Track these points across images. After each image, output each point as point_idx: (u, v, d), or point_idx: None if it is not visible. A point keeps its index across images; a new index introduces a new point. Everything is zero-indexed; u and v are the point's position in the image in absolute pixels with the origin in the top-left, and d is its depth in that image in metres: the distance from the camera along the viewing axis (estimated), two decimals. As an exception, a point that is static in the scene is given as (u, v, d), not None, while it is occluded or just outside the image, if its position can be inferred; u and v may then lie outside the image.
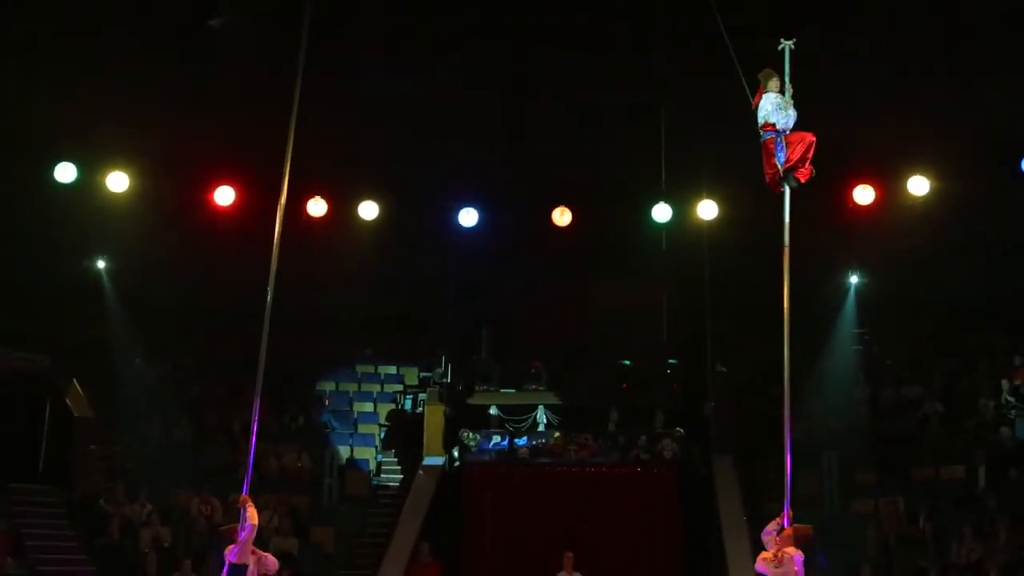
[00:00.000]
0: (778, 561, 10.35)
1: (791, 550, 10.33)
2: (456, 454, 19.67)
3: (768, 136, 11.09)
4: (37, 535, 16.76)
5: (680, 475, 18.65)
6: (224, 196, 19.73)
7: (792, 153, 11.04)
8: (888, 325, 21.32)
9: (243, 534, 11.18)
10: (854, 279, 21.49)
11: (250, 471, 11.88)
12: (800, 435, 19.94)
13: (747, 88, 11.10)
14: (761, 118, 11.15)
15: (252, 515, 11.24)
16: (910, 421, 19.77)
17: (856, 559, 16.67)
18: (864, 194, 19.39)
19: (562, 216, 20.16)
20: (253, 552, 11.28)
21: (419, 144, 18.89)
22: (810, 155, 11.06)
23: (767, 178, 11.26)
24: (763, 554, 10.57)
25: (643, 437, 19.37)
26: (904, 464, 18.82)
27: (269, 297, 11.76)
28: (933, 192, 19.11)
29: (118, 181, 19.01)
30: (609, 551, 17.10)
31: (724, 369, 20.38)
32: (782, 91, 11.02)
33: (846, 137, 18.09)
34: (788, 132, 10.97)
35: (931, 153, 18.81)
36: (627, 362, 21.59)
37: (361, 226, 20.60)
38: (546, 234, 20.37)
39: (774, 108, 11.05)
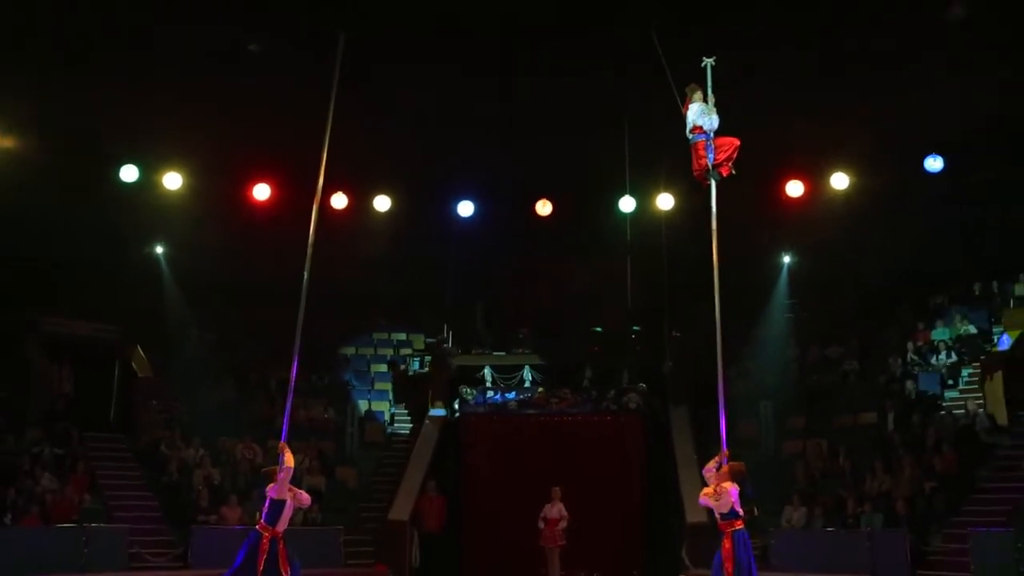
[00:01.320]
0: (717, 495, 10.48)
1: (728, 484, 10.48)
2: (456, 406, 19.74)
3: (699, 139, 11.26)
4: (109, 475, 16.72)
5: (643, 422, 18.74)
6: (261, 192, 19.82)
7: (720, 154, 11.23)
8: (815, 297, 21.43)
9: (281, 474, 11.30)
10: (787, 259, 21.64)
11: (287, 422, 12.04)
12: (741, 388, 20.32)
13: (678, 99, 11.29)
14: (689, 122, 11.36)
15: (289, 459, 11.35)
16: (832, 376, 19.96)
17: (787, 490, 16.84)
18: (795, 187, 19.59)
19: (544, 207, 20.33)
20: (290, 490, 11.40)
21: (425, 148, 18.94)
22: (734, 156, 11.29)
23: (695, 173, 11.41)
24: (705, 489, 10.68)
25: (612, 391, 19.50)
26: (827, 412, 19.00)
27: (306, 277, 11.89)
28: (852, 186, 19.29)
29: (173, 180, 19.03)
30: (586, 485, 17.16)
31: (679, 334, 20.50)
32: (705, 100, 11.24)
33: (779, 140, 18.31)
34: (714, 136, 11.17)
35: (851, 153, 18.98)
36: (598, 329, 21.69)
37: (376, 217, 20.71)
38: (531, 222, 20.51)
39: (699, 114, 11.28)
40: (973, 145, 18.03)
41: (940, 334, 19.53)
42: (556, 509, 16.09)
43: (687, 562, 15.91)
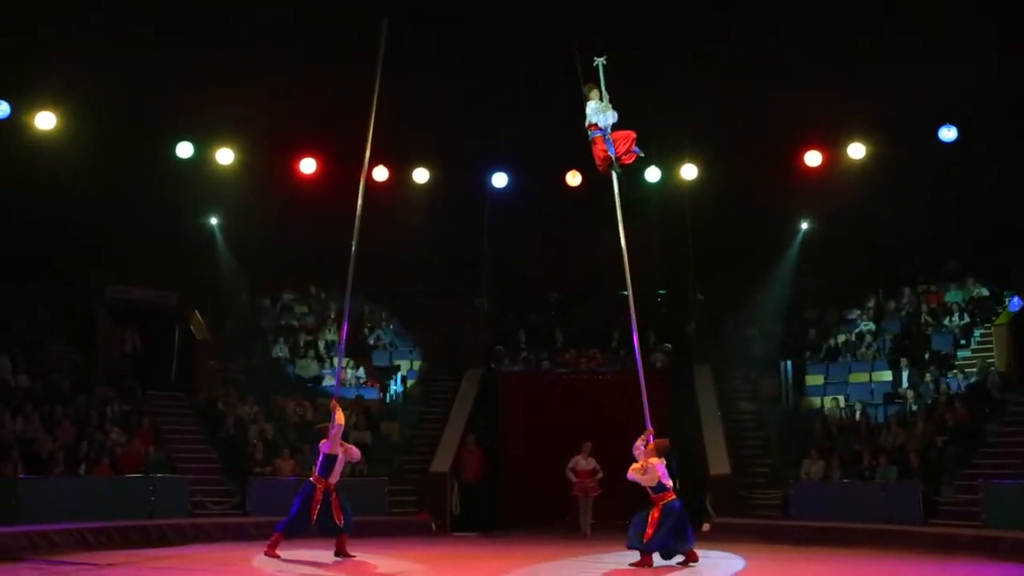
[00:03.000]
0: (644, 470, 10.65)
1: (654, 460, 10.69)
2: (493, 366, 19.83)
3: (597, 135, 11.48)
4: (172, 430, 16.97)
5: (669, 381, 18.72)
6: (308, 166, 19.90)
7: (619, 147, 11.39)
8: (833, 261, 21.32)
9: (333, 430, 11.49)
10: (804, 225, 21.48)
11: (337, 381, 12.20)
12: (763, 348, 20.31)
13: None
14: (588, 120, 11.49)
15: (340, 416, 11.55)
16: (849, 336, 19.89)
17: (806, 444, 16.87)
18: (813, 157, 19.39)
19: (574, 178, 20.25)
20: (341, 445, 11.60)
21: (461, 123, 18.90)
22: (632, 147, 11.47)
23: (598, 166, 11.59)
24: (633, 465, 10.82)
25: (639, 351, 19.60)
26: (844, 370, 19.00)
27: (354, 246, 12.01)
28: (869, 156, 19.06)
29: (226, 156, 19.13)
30: (615, 439, 17.19)
31: (702, 298, 20.49)
32: (600, 99, 11.46)
33: (799, 112, 18.10)
34: (610, 131, 11.38)
35: (867, 124, 18.73)
36: (625, 292, 21.64)
37: (415, 188, 20.73)
38: (561, 192, 20.44)
39: (594, 112, 11.47)
40: (987, 115, 17.72)
41: (953, 296, 19.37)
42: (590, 461, 16.24)
43: (711, 511, 16.00)
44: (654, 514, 10.66)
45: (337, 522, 11.45)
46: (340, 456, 11.57)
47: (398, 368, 20.89)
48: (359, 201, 12.19)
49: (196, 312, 20.27)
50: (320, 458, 11.55)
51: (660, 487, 10.77)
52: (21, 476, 13.52)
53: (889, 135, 18.40)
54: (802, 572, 11.40)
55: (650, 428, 11.14)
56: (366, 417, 18.57)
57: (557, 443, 17.15)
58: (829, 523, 14.45)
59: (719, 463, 16.57)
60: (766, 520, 15.73)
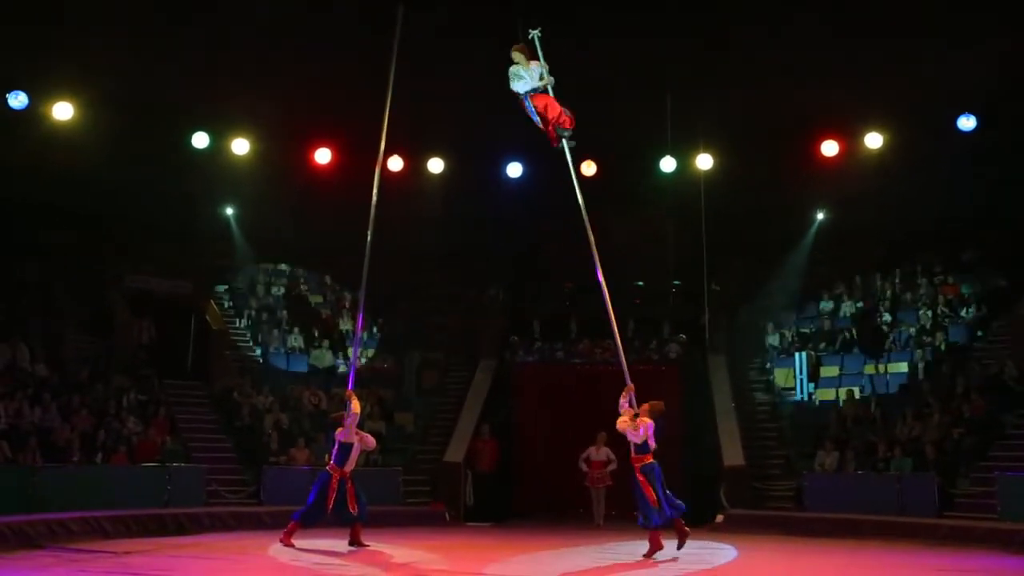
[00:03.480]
0: (636, 424, 10.86)
1: (647, 419, 10.88)
2: (507, 356, 19.84)
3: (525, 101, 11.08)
4: (187, 419, 17.06)
5: (683, 371, 18.78)
6: (323, 156, 19.93)
7: (547, 113, 10.96)
8: (848, 251, 21.23)
9: (348, 420, 11.54)
10: (820, 215, 21.36)
11: (352, 371, 12.24)
12: (778, 339, 20.22)
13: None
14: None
15: (355, 406, 11.58)
16: (864, 327, 19.76)
17: (821, 435, 16.79)
18: (830, 147, 19.27)
19: (589, 168, 20.18)
20: (357, 433, 11.65)
21: (475, 112, 18.86)
22: (560, 108, 10.98)
23: (551, 139, 11.20)
24: (624, 418, 11.04)
25: (654, 341, 19.53)
26: (859, 361, 18.89)
27: (369, 236, 12.00)
28: (886, 145, 18.93)
29: (241, 146, 19.16)
30: (628, 430, 17.25)
31: (717, 288, 20.40)
32: (528, 66, 11.05)
33: (816, 102, 17.97)
34: (529, 96, 10.97)
35: (885, 113, 18.59)
36: (640, 283, 21.61)
37: (430, 178, 20.72)
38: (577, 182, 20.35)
39: (512, 79, 11.12)
40: (1005, 103, 17.55)
41: (969, 288, 19.21)
42: (603, 452, 16.22)
43: (725, 502, 15.97)
44: (640, 478, 10.76)
45: (352, 511, 11.52)
46: (356, 445, 11.64)
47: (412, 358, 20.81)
48: (375, 189, 12.14)
49: (212, 302, 20.33)
50: (336, 447, 11.62)
51: (644, 447, 10.92)
52: (39, 465, 13.63)
53: (907, 124, 18.26)
54: (804, 563, 11.37)
55: (630, 384, 11.23)
56: (380, 407, 18.62)
57: (571, 434, 17.16)
58: (843, 515, 14.42)
59: (733, 454, 16.53)
60: (780, 512, 15.69)
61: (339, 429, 11.65)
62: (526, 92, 11.04)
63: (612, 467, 16.13)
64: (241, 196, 20.63)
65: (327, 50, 16.88)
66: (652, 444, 10.94)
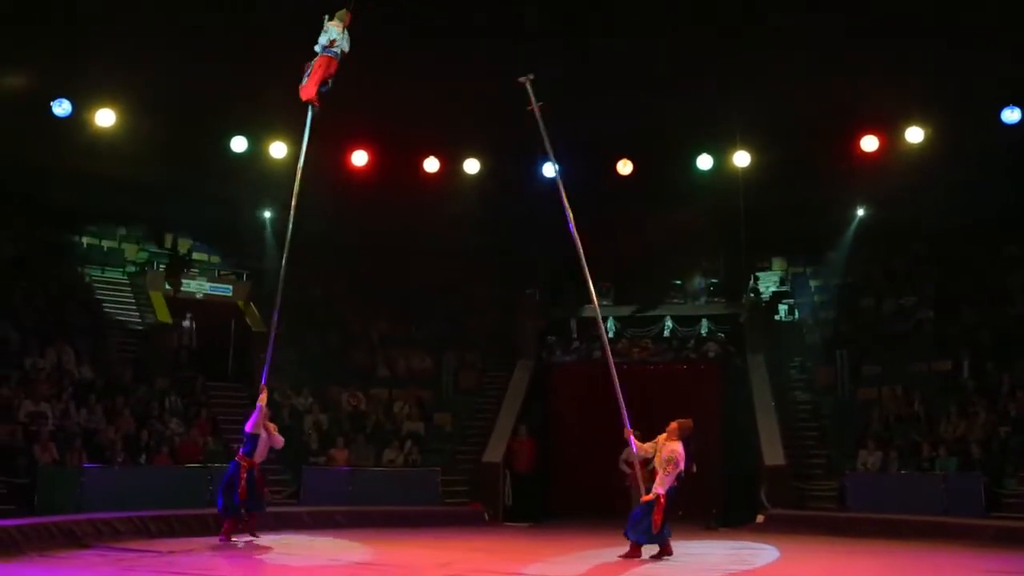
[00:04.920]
0: (670, 465, 10.54)
1: (677, 446, 10.59)
2: (544, 356, 19.82)
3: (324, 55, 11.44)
4: (229, 420, 16.99)
5: (721, 370, 18.65)
6: (359, 158, 20.06)
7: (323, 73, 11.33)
8: (890, 246, 20.96)
9: (255, 413, 12.04)
10: (860, 211, 21.11)
11: (266, 368, 12.33)
12: (817, 337, 20.00)
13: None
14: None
15: (262, 399, 12.12)
16: (907, 325, 19.47)
17: (863, 434, 16.59)
18: (869, 142, 19.05)
19: (625, 167, 20.15)
20: (264, 427, 12.00)
21: (510, 113, 18.86)
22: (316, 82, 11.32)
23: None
24: (654, 464, 10.74)
25: (692, 340, 19.41)
26: (902, 359, 18.59)
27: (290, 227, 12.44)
28: (927, 139, 18.68)
29: (278, 150, 19.37)
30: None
31: (755, 284, 20.27)
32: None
33: (855, 98, 17.78)
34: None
35: (926, 107, 18.35)
36: (678, 282, 21.50)
37: (466, 178, 20.77)
38: (612, 181, 20.35)
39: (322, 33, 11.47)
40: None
41: (1014, 283, 18.86)
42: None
43: (765, 502, 15.83)
44: (662, 505, 10.52)
45: (260, 500, 11.98)
46: (262, 437, 12.04)
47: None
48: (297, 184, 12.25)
49: (251, 304, 20.51)
50: (245, 438, 12.13)
51: (680, 476, 10.54)
52: (85, 465, 13.86)
53: (949, 118, 18.00)
54: (846, 565, 11.24)
55: (628, 429, 11.03)
56: (419, 407, 18.67)
57: (609, 433, 17.02)
58: (887, 515, 14.23)
59: (774, 454, 16.38)
60: (822, 512, 15.53)
61: (248, 422, 12.03)
62: (321, 47, 11.43)
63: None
64: (279, 199, 20.79)
65: (361, 53, 16.97)
66: (690, 468, 10.66)
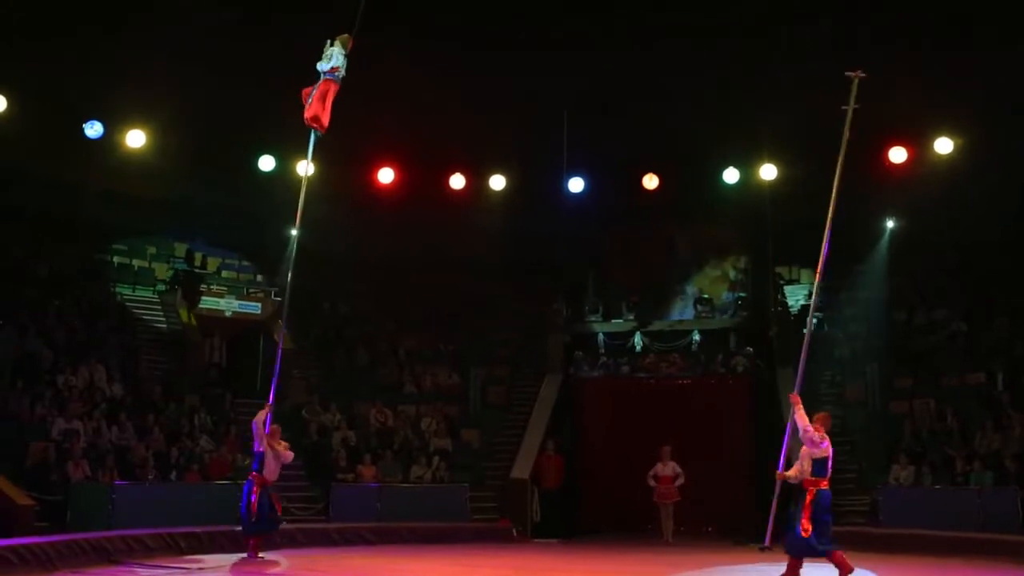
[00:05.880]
0: (820, 433, 10.06)
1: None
2: (572, 371, 19.70)
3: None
4: None
5: (750, 384, 18.49)
6: (386, 176, 20.17)
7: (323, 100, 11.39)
8: (919, 260, 20.75)
9: (254, 430, 12.12)
10: (890, 223, 20.93)
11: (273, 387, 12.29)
12: (847, 351, 19.80)
13: None
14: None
15: (258, 416, 12.17)
16: (938, 338, 19.22)
17: (894, 449, 16.41)
18: (898, 154, 18.90)
19: (651, 181, 20.13)
20: (270, 444, 12.06)
21: (537, 129, 18.95)
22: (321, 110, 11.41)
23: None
24: (806, 423, 10.12)
25: (720, 355, 19.28)
26: (934, 372, 18.37)
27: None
28: (956, 150, 18.51)
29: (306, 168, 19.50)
30: (697, 444, 17.00)
31: (784, 298, 20.12)
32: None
33: (882, 108, 17.62)
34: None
35: (954, 118, 18.19)
36: (706, 296, 21.41)
37: (492, 195, 20.82)
38: (638, 196, 20.33)
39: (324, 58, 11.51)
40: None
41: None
42: (670, 467, 16.08)
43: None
44: (808, 502, 9.81)
45: (273, 519, 11.99)
46: (268, 453, 12.03)
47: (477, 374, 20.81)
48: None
49: (280, 321, 20.58)
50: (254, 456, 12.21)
51: (823, 467, 10.00)
52: (117, 483, 13.98)
53: (978, 128, 17.83)
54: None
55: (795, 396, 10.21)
56: (447, 423, 18.68)
57: (637, 449, 17.00)
58: (921, 531, 14.03)
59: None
60: (854, 527, 15.31)
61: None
62: (323, 72, 11.50)
63: (680, 482, 15.98)
64: (306, 216, 20.90)
65: (387, 71, 17.13)
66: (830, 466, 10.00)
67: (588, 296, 21.68)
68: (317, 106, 11.38)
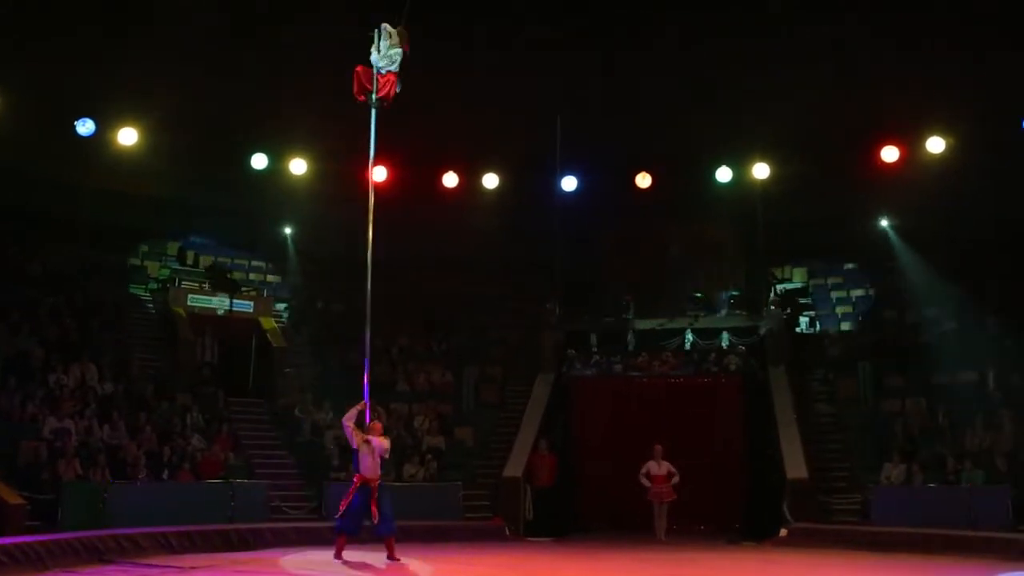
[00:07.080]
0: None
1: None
2: (565, 369, 19.65)
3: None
4: (250, 435, 17.26)
5: (743, 383, 18.46)
6: (379, 174, 20.09)
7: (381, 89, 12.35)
8: (912, 257, 20.80)
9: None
10: (884, 222, 20.97)
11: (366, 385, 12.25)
12: (840, 349, 19.84)
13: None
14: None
15: (347, 416, 11.91)
16: (930, 336, 19.25)
17: (887, 447, 16.41)
18: (890, 153, 18.95)
19: (643, 180, 20.14)
20: (362, 439, 11.81)
21: (530, 127, 18.95)
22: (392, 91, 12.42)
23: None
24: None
25: (713, 354, 19.28)
26: (925, 371, 18.42)
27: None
28: (948, 149, 18.56)
29: (299, 166, 19.50)
30: (689, 443, 17.02)
31: (777, 298, 20.14)
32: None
33: (874, 108, 17.71)
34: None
35: (947, 117, 18.25)
36: (699, 294, 21.43)
37: (485, 193, 20.81)
38: (632, 195, 20.34)
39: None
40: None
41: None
42: (664, 466, 16.07)
43: (788, 516, 15.68)
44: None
45: (369, 521, 11.63)
46: (362, 449, 11.74)
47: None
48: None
49: (272, 319, 20.60)
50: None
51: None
52: (108, 481, 13.93)
53: (970, 127, 17.89)
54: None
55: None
56: (440, 422, 18.64)
57: (630, 447, 17.00)
58: (912, 529, 14.02)
59: (796, 467, 16.21)
60: (846, 526, 15.36)
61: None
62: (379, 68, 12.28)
63: (675, 480, 15.98)
64: (299, 215, 20.91)
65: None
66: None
67: (581, 294, 21.69)
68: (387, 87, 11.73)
